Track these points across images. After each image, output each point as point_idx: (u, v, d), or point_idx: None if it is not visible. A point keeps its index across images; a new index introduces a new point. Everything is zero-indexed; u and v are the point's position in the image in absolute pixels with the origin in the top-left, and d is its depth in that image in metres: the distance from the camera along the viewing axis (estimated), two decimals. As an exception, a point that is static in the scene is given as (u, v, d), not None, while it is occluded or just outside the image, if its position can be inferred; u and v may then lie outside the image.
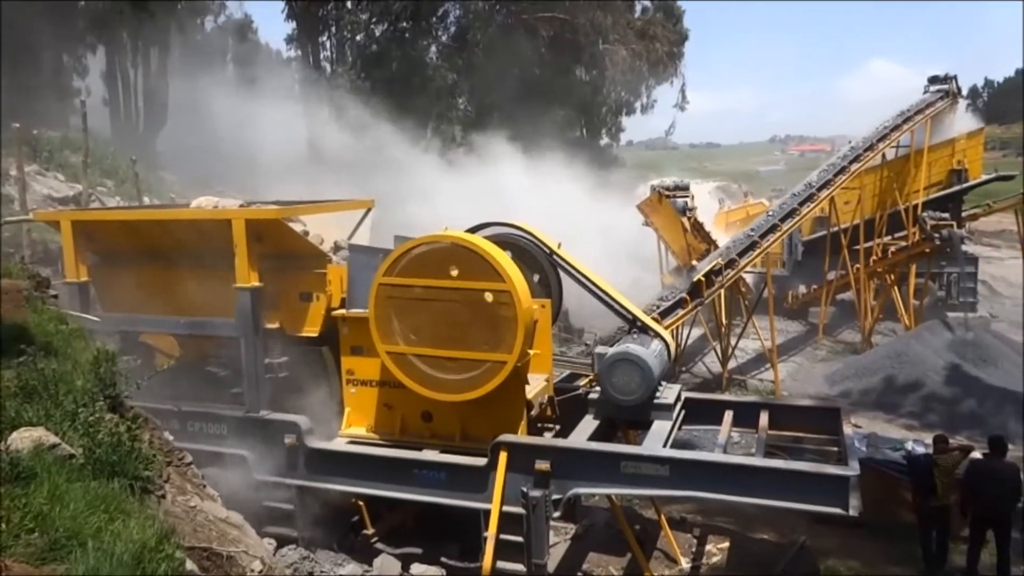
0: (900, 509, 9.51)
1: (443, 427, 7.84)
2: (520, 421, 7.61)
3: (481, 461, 7.40)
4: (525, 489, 7.21)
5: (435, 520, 8.54)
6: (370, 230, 9.59)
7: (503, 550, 7.21)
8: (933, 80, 23.84)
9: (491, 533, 7.19)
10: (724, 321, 17.37)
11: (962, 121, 25.05)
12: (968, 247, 24.12)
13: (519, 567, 7.25)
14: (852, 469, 6.84)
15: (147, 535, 3.08)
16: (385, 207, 10.33)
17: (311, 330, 8.23)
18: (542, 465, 7.22)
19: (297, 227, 8.47)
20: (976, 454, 9.08)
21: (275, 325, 8.20)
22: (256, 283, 7.84)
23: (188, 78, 26.10)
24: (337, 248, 8.81)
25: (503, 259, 7.21)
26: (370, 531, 8.49)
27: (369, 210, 9.65)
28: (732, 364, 17.67)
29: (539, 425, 8.42)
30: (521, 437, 7.53)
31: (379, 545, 8.40)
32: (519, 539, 7.21)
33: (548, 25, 32.75)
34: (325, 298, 8.13)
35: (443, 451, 7.74)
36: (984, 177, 24.24)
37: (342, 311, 8.01)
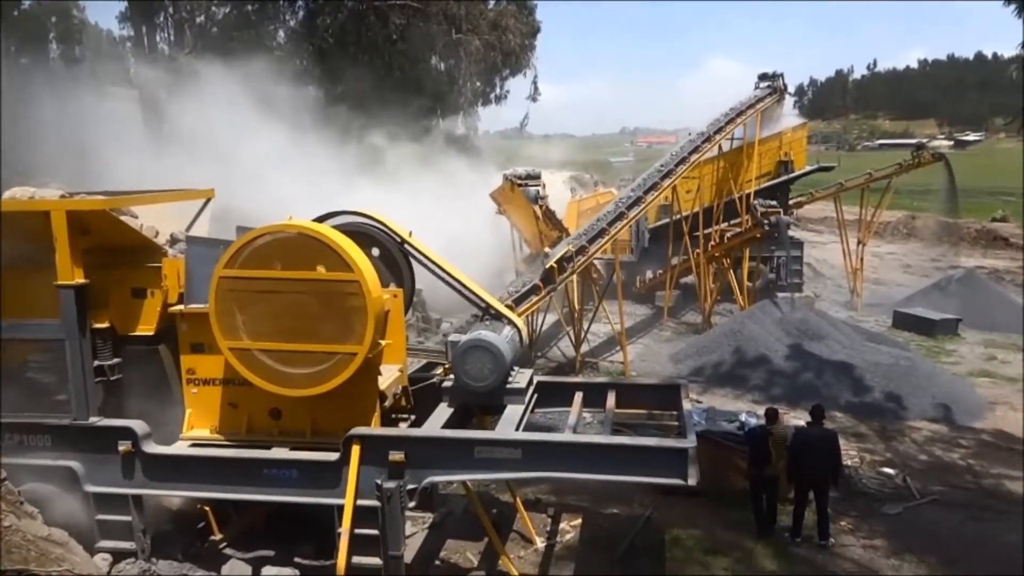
0: (734, 476, 10.26)
1: (293, 423, 7.61)
2: (373, 413, 7.52)
3: (333, 456, 7.27)
4: (379, 481, 7.16)
5: (287, 520, 8.33)
6: (210, 221, 9.13)
7: (359, 545, 7.12)
8: (763, 77, 25.56)
9: (345, 528, 7.08)
10: (577, 306, 17.93)
11: (789, 116, 27.11)
12: (794, 232, 26.28)
13: (375, 560, 7.20)
14: (690, 442, 7.25)
15: (-60, 559, 2.81)
16: (227, 197, 9.85)
17: (146, 328, 7.76)
18: (396, 456, 7.19)
19: (130, 219, 7.94)
20: (799, 423, 9.94)
21: (105, 324, 7.65)
22: (81, 280, 7.28)
23: (4, 58, 23.71)
24: (174, 240, 8.35)
25: (351, 248, 7.08)
26: (218, 536, 8.15)
27: (208, 200, 9.17)
28: (585, 348, 18.27)
29: (393, 416, 8.36)
30: (374, 429, 7.45)
31: (228, 550, 8.11)
32: (375, 532, 7.17)
33: (401, 12, 32.39)
34: (161, 294, 7.69)
35: (293, 448, 7.51)
36: (808, 168, 26.32)
37: (180, 307, 7.59)
